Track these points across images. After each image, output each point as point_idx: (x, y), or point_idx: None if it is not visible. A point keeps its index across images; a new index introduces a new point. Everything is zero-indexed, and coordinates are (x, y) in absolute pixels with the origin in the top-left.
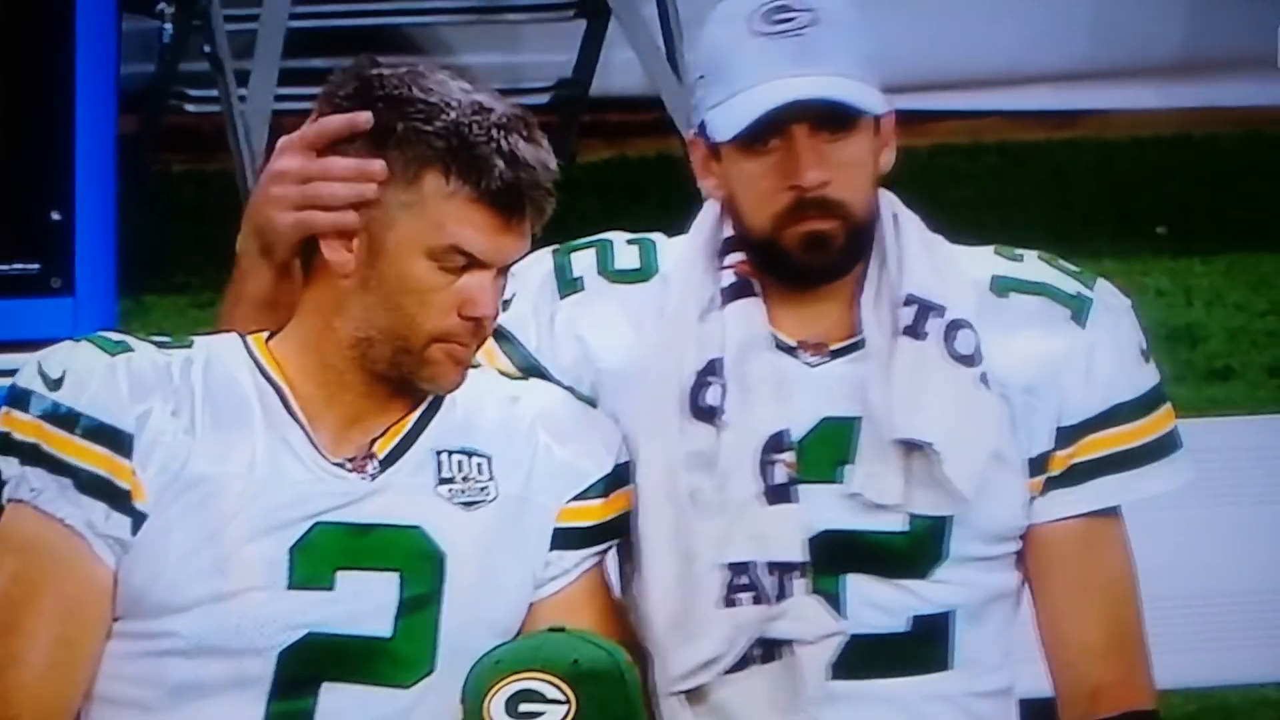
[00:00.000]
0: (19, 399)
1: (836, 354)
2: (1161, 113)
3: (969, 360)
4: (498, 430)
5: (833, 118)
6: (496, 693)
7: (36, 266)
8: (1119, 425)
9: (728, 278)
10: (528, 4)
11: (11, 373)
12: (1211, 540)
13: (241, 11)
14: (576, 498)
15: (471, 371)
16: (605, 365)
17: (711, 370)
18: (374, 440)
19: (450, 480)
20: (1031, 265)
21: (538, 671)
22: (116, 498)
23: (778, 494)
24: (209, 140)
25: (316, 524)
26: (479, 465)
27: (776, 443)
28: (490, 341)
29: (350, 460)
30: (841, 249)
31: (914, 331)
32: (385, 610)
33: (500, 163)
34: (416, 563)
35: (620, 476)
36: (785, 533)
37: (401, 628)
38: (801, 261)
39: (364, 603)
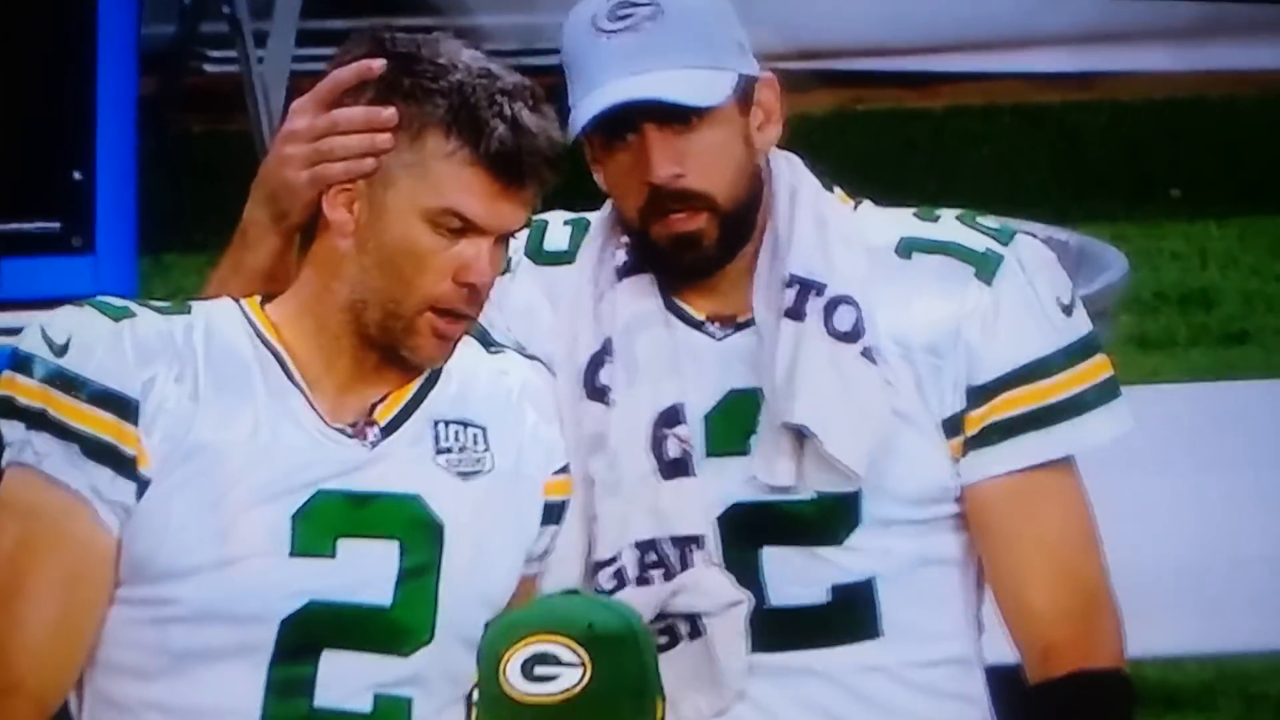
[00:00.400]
0: (23, 364)
1: (742, 326)
2: (1177, 75)
3: (850, 336)
4: (490, 403)
5: (678, 111)
6: (512, 656)
7: (57, 225)
8: (1036, 381)
9: (621, 256)
10: None
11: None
12: (1228, 505)
13: None
14: (557, 472)
15: (461, 344)
16: (531, 350)
17: (606, 350)
18: (374, 405)
19: (448, 450)
20: (944, 225)
21: (553, 634)
22: (121, 464)
23: (673, 469)
24: (228, 101)
25: (318, 491)
26: (475, 436)
27: (669, 417)
28: None
29: (351, 426)
30: (715, 242)
31: (794, 313)
32: (385, 579)
33: (501, 126)
34: (416, 532)
35: None
36: (683, 507)
37: (401, 597)
38: (674, 259)
39: (365, 571)
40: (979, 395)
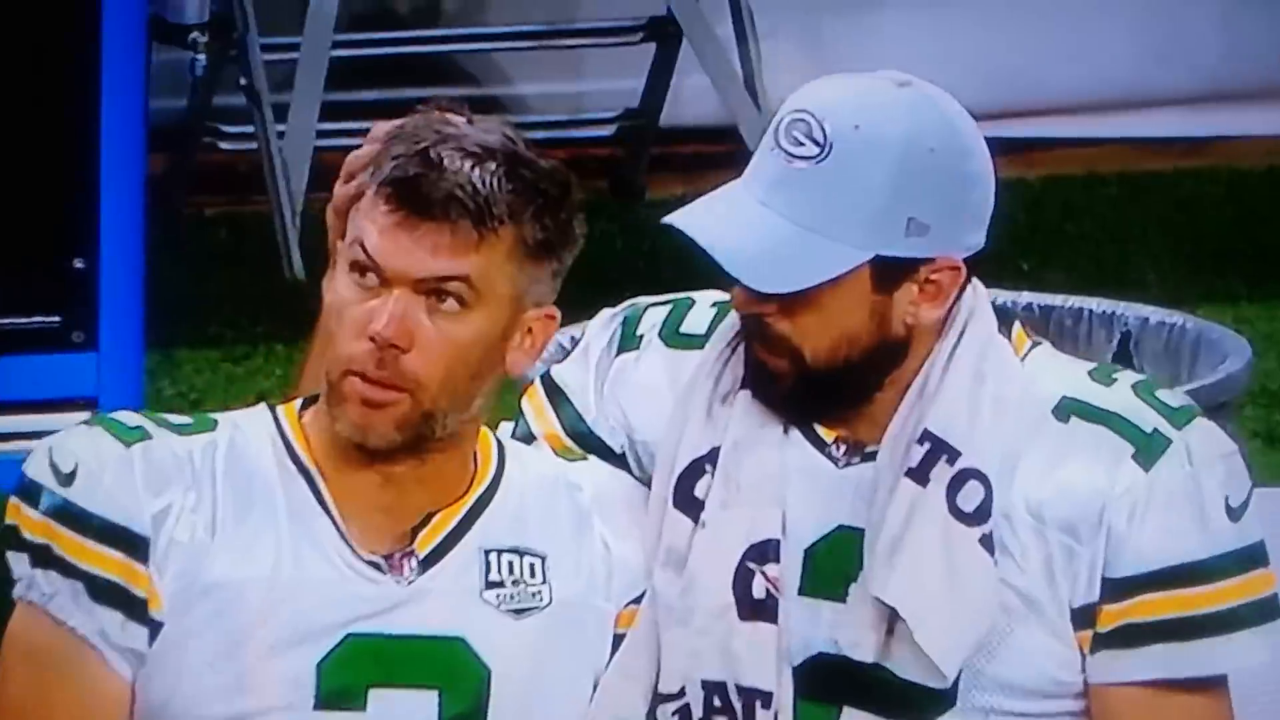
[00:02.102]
0: (29, 492)
1: (871, 456)
2: None
3: (972, 518)
4: (553, 525)
5: None
6: None
7: (57, 319)
8: (1183, 587)
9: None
10: (591, 28)
11: (30, 435)
12: None
13: (281, 40)
14: (636, 600)
15: (529, 450)
16: (640, 437)
17: (710, 459)
18: (415, 529)
19: (499, 584)
20: (1115, 392)
21: None
22: (132, 606)
23: (753, 611)
24: (245, 181)
25: (347, 635)
26: (531, 566)
27: (761, 552)
28: (541, 397)
29: (386, 558)
30: (792, 390)
31: (918, 474)
32: None
33: (414, 159)
34: (458, 679)
35: None
36: (757, 657)
37: None
38: (752, 389)
39: None
40: (1117, 590)
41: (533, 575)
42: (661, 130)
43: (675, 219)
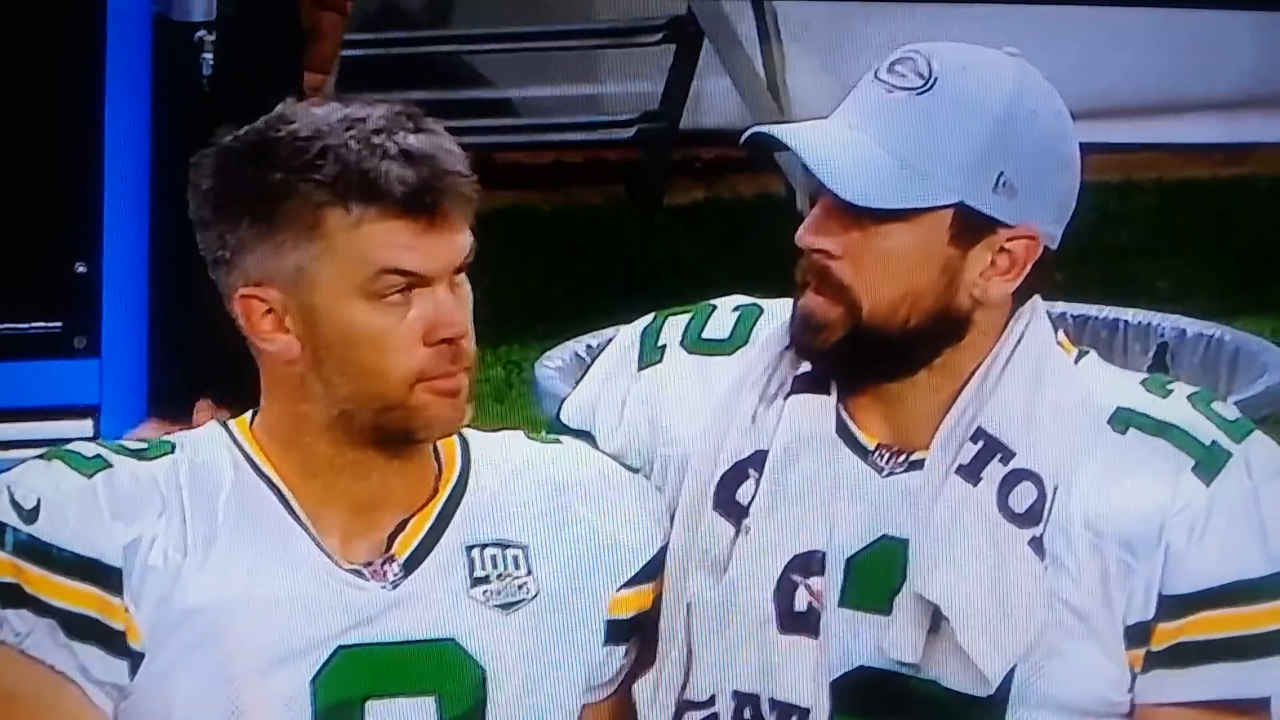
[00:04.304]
0: None
1: (916, 465)
2: None
3: (1023, 519)
4: (531, 513)
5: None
6: None
7: (59, 325)
8: (1240, 605)
9: (806, 365)
10: (609, 28)
11: (30, 444)
12: None
13: None
14: (628, 584)
15: (495, 439)
16: (669, 450)
17: (754, 463)
18: (392, 536)
19: (485, 580)
20: (1172, 404)
21: None
22: (110, 640)
23: (794, 623)
24: None
25: (338, 648)
26: (514, 558)
27: (806, 564)
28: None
29: (367, 566)
30: (836, 344)
31: (969, 472)
32: None
33: (394, 167)
34: (454, 681)
35: (665, 552)
36: (795, 672)
37: None
38: (795, 337)
39: None
40: (1173, 607)
41: (517, 567)
42: (682, 134)
43: (757, 129)
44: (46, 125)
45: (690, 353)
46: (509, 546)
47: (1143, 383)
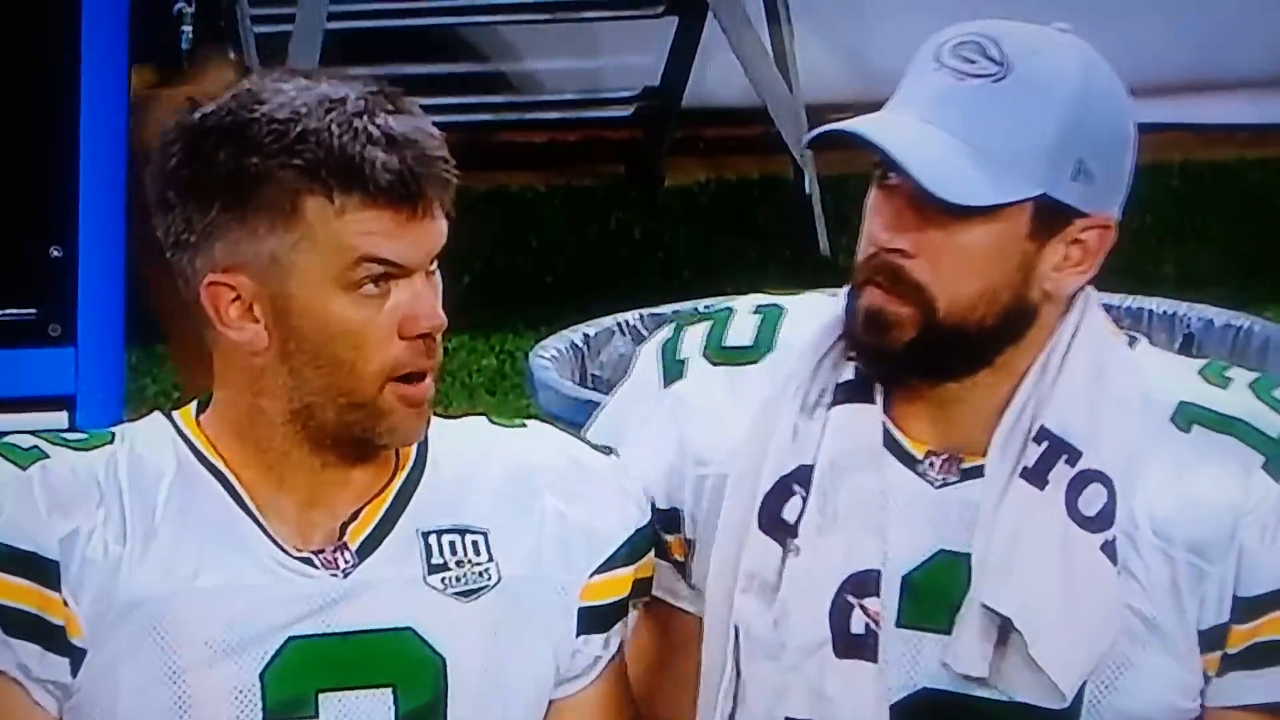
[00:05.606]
0: None
1: (969, 474)
2: None
3: (1094, 523)
4: (493, 498)
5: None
6: None
7: (33, 311)
8: None
9: (847, 372)
10: None
11: (3, 436)
12: None
13: (272, 11)
14: (601, 569)
15: (455, 424)
16: (704, 470)
17: (799, 479)
18: (345, 526)
19: (443, 567)
20: (1235, 395)
21: None
22: (51, 637)
23: (851, 647)
24: None
25: (289, 639)
26: (474, 544)
27: (861, 584)
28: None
29: (318, 554)
30: (908, 346)
31: (1034, 476)
32: None
33: (379, 153)
34: (411, 673)
35: (646, 535)
36: (853, 698)
37: None
38: (860, 339)
39: None
40: (1248, 609)
41: (477, 553)
42: (684, 111)
43: (832, 126)
44: (20, 103)
45: (715, 364)
46: (468, 532)
47: (1201, 371)
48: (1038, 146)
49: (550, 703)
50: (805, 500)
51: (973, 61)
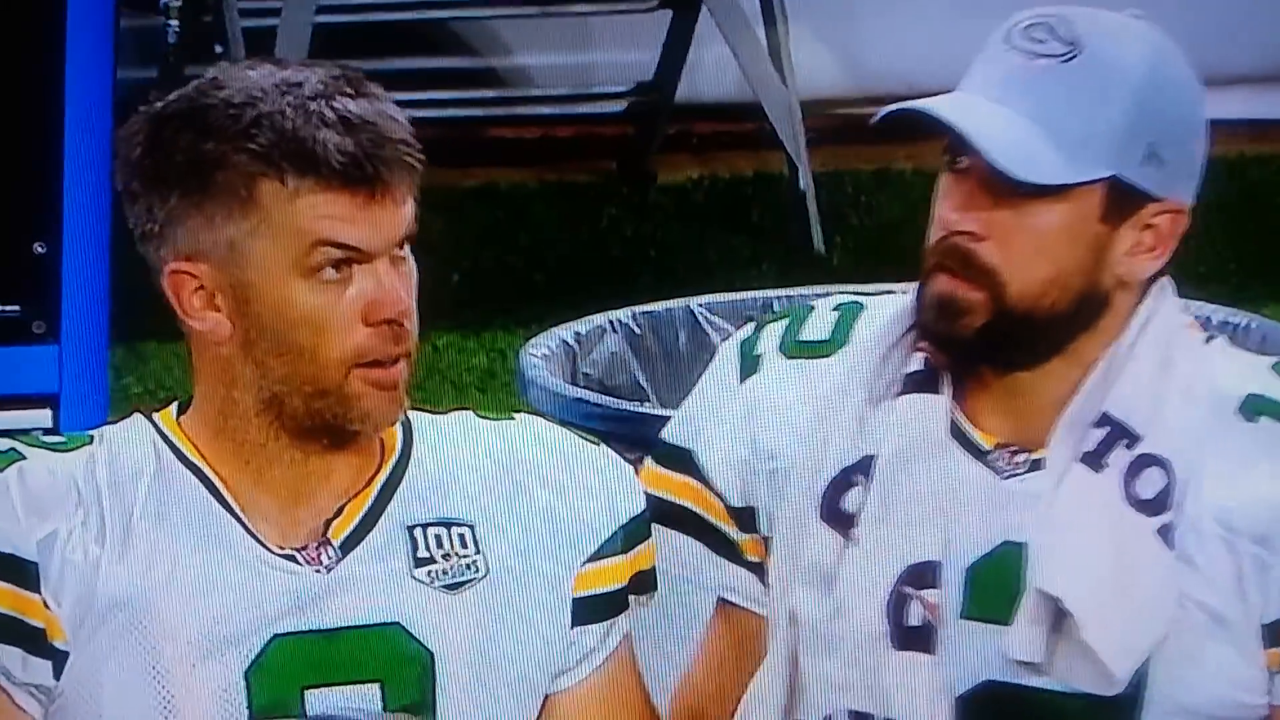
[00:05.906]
0: None
1: (1038, 465)
2: None
3: (1149, 506)
4: (479, 491)
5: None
6: None
7: (16, 308)
8: None
9: (915, 363)
10: None
11: None
12: None
13: (259, 5)
14: (593, 558)
15: (441, 418)
16: (776, 465)
17: (862, 469)
18: (329, 522)
19: (429, 560)
20: None
21: None
22: (32, 640)
23: (909, 639)
24: None
25: (273, 637)
26: (460, 537)
27: (920, 576)
28: (684, 479)
29: (301, 550)
30: (979, 331)
31: (1093, 459)
32: None
33: (332, 135)
34: (399, 668)
35: (641, 524)
36: (911, 691)
37: None
38: (930, 326)
39: None
40: None
41: (464, 546)
42: (677, 107)
43: (902, 105)
44: (3, 99)
45: (789, 358)
46: (454, 525)
47: (1274, 366)
48: (1107, 128)
49: (547, 696)
50: (867, 491)
51: (1042, 42)
